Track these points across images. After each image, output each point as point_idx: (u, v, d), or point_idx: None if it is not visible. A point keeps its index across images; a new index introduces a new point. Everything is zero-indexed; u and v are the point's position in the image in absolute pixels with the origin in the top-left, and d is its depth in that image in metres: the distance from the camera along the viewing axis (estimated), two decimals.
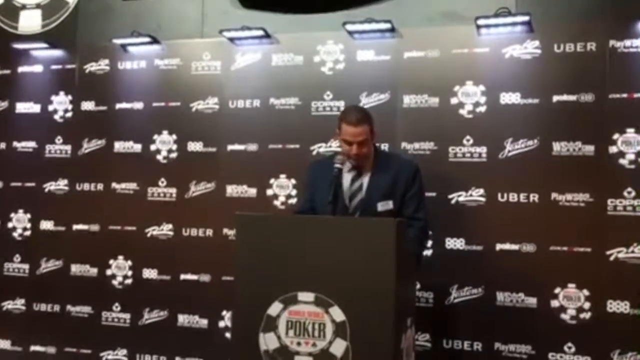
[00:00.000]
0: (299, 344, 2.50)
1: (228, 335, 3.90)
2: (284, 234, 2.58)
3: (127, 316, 4.16)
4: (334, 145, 3.71)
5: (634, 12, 3.45)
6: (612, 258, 3.39)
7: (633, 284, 3.34)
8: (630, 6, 3.48)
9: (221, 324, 3.97)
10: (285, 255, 2.55)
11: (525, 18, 3.52)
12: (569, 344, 3.42)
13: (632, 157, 3.40)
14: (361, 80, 3.83)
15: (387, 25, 3.74)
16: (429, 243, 3.54)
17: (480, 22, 3.58)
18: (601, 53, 3.48)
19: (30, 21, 4.57)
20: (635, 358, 3.28)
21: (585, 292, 3.42)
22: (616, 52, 3.46)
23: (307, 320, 2.50)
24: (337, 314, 2.46)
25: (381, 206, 2.95)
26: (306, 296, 2.50)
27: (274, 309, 2.54)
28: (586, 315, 3.41)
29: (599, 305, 3.39)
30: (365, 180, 3.00)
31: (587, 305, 3.41)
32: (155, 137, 4.19)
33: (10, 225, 4.46)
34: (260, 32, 3.96)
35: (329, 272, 2.48)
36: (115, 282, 4.20)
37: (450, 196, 3.64)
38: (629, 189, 3.39)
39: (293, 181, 3.87)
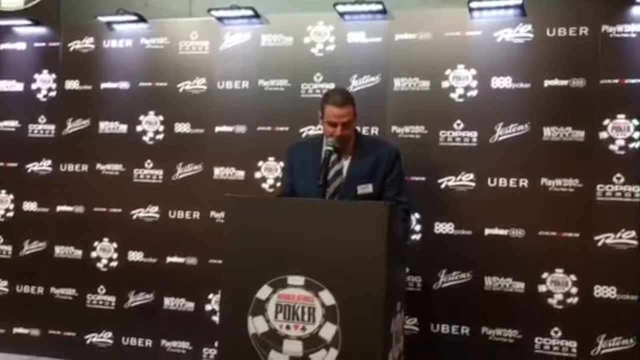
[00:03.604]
0: (288, 327, 2.48)
1: (215, 318, 3.87)
2: (275, 217, 2.55)
3: (112, 299, 4.12)
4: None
5: None
6: (600, 244, 3.40)
7: (620, 269, 3.36)
8: None
9: (208, 307, 3.94)
10: (275, 239, 2.52)
11: (518, 1, 3.50)
12: (556, 329, 3.44)
13: (622, 142, 3.40)
14: (352, 63, 3.79)
15: (379, 7, 3.69)
16: (412, 225, 3.56)
17: (473, 4, 3.55)
18: (593, 38, 3.47)
19: None
20: None
21: (573, 277, 3.44)
22: (608, 37, 3.45)
23: (296, 304, 2.48)
24: (327, 297, 2.44)
25: (361, 189, 2.93)
26: (296, 280, 2.48)
27: (263, 292, 2.51)
28: (573, 300, 3.43)
29: (586, 290, 3.41)
30: (346, 163, 2.98)
31: (574, 290, 3.43)
32: (142, 117, 4.12)
33: None
34: (250, 12, 3.89)
35: (320, 255, 2.46)
36: (100, 265, 4.15)
37: (439, 181, 3.62)
38: (619, 175, 3.40)
39: (281, 164, 3.82)
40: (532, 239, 3.49)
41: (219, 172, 3.97)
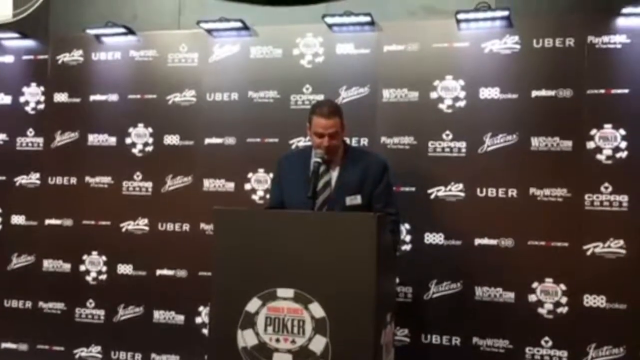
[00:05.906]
0: (277, 340, 2.47)
1: (205, 331, 3.85)
2: (264, 229, 2.55)
3: (102, 312, 4.08)
4: None
5: (612, 8, 3.47)
6: (589, 253, 3.41)
7: (609, 278, 3.37)
8: (608, 2, 3.51)
9: (198, 320, 3.92)
10: (264, 251, 2.51)
11: (505, 13, 3.52)
12: (546, 338, 3.44)
13: (609, 152, 3.43)
14: (340, 74, 3.80)
15: (367, 19, 3.71)
16: (402, 236, 3.56)
17: (460, 16, 3.57)
18: (580, 49, 3.50)
19: (1, 10, 4.44)
20: None
21: (562, 286, 3.44)
22: (594, 47, 3.48)
23: (286, 316, 2.47)
24: (317, 310, 2.43)
25: (349, 200, 2.93)
26: (285, 292, 2.47)
27: (253, 305, 2.50)
28: (563, 310, 3.44)
29: (576, 299, 3.42)
30: (334, 175, 2.99)
31: (564, 299, 3.44)
32: (131, 130, 4.11)
33: None
34: (239, 24, 3.90)
35: (309, 267, 2.46)
36: (89, 278, 4.11)
37: (429, 191, 3.63)
38: (606, 184, 3.42)
39: (271, 175, 3.82)
40: (521, 249, 3.50)
41: (208, 184, 3.96)
